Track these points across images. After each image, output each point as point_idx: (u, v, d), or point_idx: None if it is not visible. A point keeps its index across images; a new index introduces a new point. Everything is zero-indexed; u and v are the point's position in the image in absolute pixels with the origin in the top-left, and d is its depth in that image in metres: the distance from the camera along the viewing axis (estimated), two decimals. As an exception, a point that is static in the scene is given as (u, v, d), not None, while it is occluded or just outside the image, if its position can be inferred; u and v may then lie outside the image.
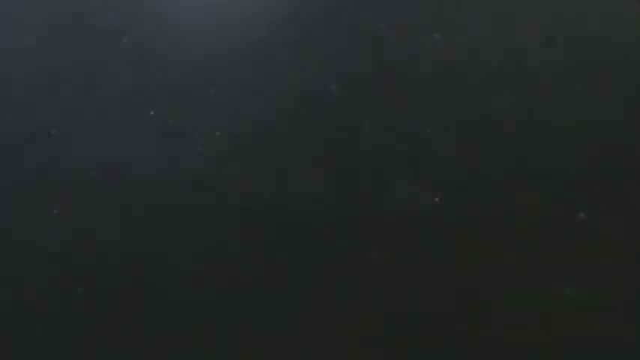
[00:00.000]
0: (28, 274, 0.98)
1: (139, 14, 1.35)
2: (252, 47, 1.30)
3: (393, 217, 1.04)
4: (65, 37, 1.31)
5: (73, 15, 1.33)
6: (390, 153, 1.13)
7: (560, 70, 1.26)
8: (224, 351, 0.89)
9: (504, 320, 0.92)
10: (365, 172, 1.11)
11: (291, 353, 0.89)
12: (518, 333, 0.90)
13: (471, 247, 1.00)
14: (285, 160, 1.13)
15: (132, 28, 1.30)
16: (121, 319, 0.92)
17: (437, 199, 1.06)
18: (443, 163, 1.12)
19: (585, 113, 1.20)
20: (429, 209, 1.04)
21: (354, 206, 1.06)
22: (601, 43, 1.28)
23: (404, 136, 1.16)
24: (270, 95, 1.23)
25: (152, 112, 1.21)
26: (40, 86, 1.25)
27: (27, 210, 1.06)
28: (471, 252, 0.99)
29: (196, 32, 1.33)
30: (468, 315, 0.92)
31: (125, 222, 1.04)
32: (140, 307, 0.94)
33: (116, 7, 1.35)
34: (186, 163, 1.13)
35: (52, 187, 1.10)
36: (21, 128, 1.19)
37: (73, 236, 1.02)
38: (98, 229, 1.03)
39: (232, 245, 1.01)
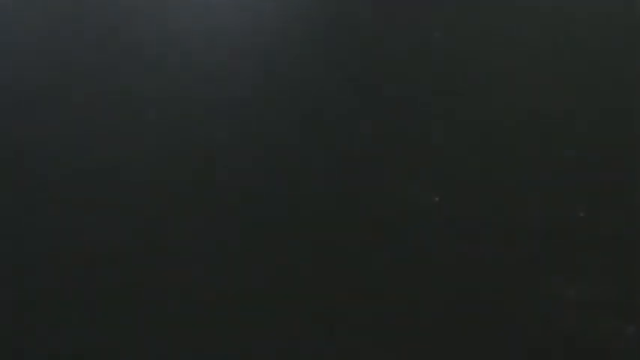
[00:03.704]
0: (28, 273, 0.98)
1: (139, 14, 1.35)
2: (253, 46, 1.30)
3: (393, 216, 1.04)
4: (65, 38, 1.31)
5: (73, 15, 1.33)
6: (391, 152, 1.14)
7: (561, 69, 1.26)
8: (223, 349, 0.89)
9: (504, 320, 0.92)
10: (365, 172, 1.11)
11: (290, 352, 0.89)
12: (519, 331, 0.90)
13: (471, 246, 1.00)
14: (285, 160, 1.14)
15: (131, 27, 1.31)
16: (121, 318, 0.92)
17: (437, 198, 1.06)
18: (443, 162, 1.12)
19: (585, 113, 1.20)
20: (428, 208, 1.04)
21: (354, 205, 1.06)
22: (601, 43, 1.28)
23: (404, 135, 1.16)
24: (270, 95, 1.23)
25: (152, 113, 1.21)
26: (40, 87, 1.25)
27: (27, 210, 1.06)
28: (470, 251, 0.99)
29: (196, 32, 1.33)
30: (467, 314, 0.92)
31: (125, 222, 1.05)
32: (140, 306, 0.94)
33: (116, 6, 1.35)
34: (187, 162, 1.13)
35: (53, 186, 1.10)
36: (21, 130, 1.19)
37: (74, 236, 1.03)
38: (98, 228, 1.03)
39: (232, 245, 1.01)
